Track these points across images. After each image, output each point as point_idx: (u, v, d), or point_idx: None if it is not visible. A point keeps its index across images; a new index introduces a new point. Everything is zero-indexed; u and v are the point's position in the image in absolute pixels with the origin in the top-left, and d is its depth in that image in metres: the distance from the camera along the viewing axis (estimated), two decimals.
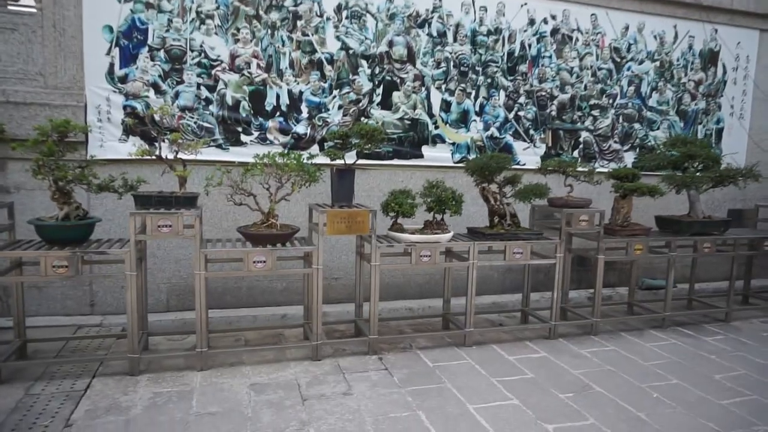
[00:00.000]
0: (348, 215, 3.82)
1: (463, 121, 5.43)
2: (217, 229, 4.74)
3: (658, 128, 6.18)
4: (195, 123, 4.61)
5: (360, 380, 3.56)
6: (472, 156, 5.46)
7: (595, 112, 5.90)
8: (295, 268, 4.08)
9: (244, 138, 4.74)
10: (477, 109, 5.45)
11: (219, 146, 4.68)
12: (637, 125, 6.09)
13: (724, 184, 5.00)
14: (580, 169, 4.64)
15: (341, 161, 4.04)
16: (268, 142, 4.78)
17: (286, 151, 3.86)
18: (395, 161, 5.26)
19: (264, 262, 3.63)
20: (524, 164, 5.63)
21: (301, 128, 4.88)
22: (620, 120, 6.01)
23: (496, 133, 5.56)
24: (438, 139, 5.36)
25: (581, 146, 5.90)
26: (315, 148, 4.91)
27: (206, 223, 4.58)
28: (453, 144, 5.42)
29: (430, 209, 4.20)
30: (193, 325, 3.59)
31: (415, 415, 3.10)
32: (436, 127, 5.34)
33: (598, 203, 5.11)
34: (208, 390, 3.32)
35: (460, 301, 4.79)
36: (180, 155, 3.78)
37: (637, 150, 6.12)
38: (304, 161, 3.74)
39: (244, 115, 4.72)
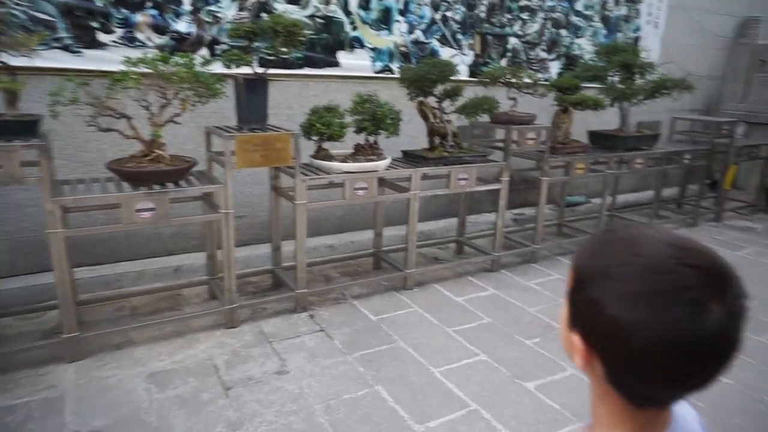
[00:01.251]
0: (263, 141, 2.90)
1: (385, 21, 4.53)
2: (75, 165, 3.53)
3: (582, 36, 5.77)
4: (24, 14, 3.23)
5: (294, 350, 2.85)
6: (395, 65, 4.64)
7: (525, 15, 5.28)
8: (196, 214, 3.14)
9: (102, 37, 3.45)
10: (401, 6, 4.56)
11: (66, 48, 3.37)
12: (564, 31, 5.60)
13: (656, 96, 4.74)
14: (526, 79, 4.05)
15: (249, 69, 3.04)
16: (137, 43, 3.55)
17: (169, 55, 2.76)
18: (306, 70, 4.28)
19: (153, 210, 2.65)
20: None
21: (183, 26, 3.68)
22: (548, 25, 5.48)
23: (422, 37, 4.75)
24: (356, 43, 4.44)
25: (509, 54, 5.31)
26: (204, 53, 3.76)
27: (58, 156, 3.36)
28: (373, 50, 4.54)
29: (361, 130, 3.40)
30: (53, 291, 2.57)
31: (374, 392, 2.49)
32: (354, 29, 4.40)
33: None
34: (87, 392, 2.41)
35: (386, 233, 4.19)
36: (3, 59, 2.54)
37: (563, 59, 5.69)
38: (199, 68, 2.70)
39: (100, 4, 3.41)
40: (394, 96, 4.40)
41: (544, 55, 5.54)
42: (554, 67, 5.64)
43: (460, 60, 5.00)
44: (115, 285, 3.57)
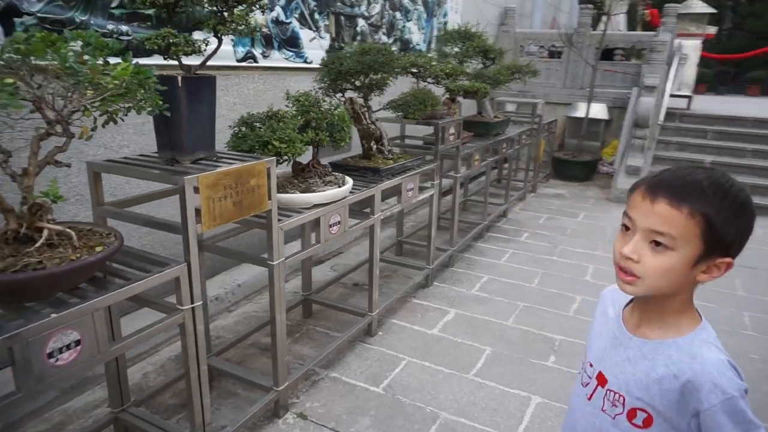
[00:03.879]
0: (235, 178, 1.78)
1: None
2: None
3: (411, 19, 5.57)
4: None
5: None
6: (258, 50, 3.62)
7: None
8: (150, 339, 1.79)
9: None
10: None
11: None
12: (398, 14, 5.30)
13: (509, 80, 4.88)
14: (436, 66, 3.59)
15: (172, 63, 1.84)
16: None
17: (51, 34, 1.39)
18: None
19: (78, 343, 1.36)
20: (311, 61, 4.14)
21: None
22: (387, 7, 5.09)
23: (282, 16, 3.81)
24: None
25: (359, 38, 4.75)
26: None
27: None
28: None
29: (314, 143, 2.47)
30: None
31: None
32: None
33: None
34: None
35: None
36: None
37: (399, 44, 5.40)
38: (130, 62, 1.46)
39: None
40: (259, 90, 3.57)
41: (385, 38, 5.15)
42: None
43: (318, 44, 4.24)
44: None
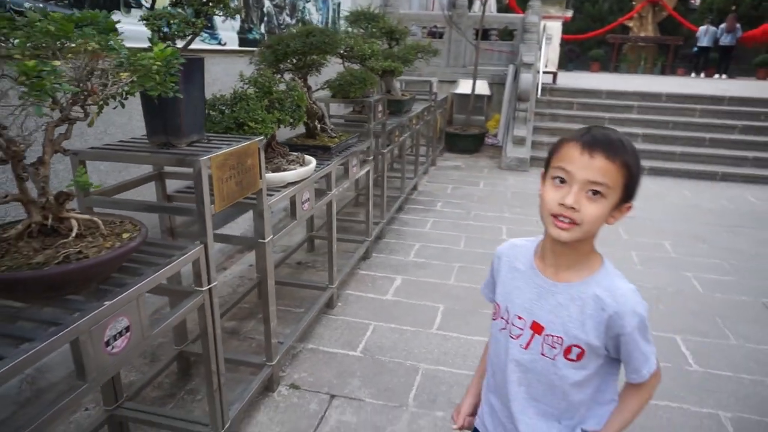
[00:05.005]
0: (237, 159, 1.80)
1: None
2: None
3: (309, 0, 5.59)
4: None
5: None
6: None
7: None
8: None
9: None
10: None
11: None
12: None
13: (415, 59, 5.15)
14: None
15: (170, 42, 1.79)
16: None
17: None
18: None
19: (128, 330, 1.35)
20: (225, 43, 4.04)
21: None
22: None
23: None
24: (133, 1, 3.08)
25: (266, 19, 4.69)
26: None
27: None
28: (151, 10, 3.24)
29: (276, 122, 2.50)
30: None
31: None
32: None
33: None
34: None
35: None
36: None
37: (300, 24, 5.40)
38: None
39: None
40: None
41: (289, 20, 5.14)
42: None
43: (231, 26, 4.14)
44: None
